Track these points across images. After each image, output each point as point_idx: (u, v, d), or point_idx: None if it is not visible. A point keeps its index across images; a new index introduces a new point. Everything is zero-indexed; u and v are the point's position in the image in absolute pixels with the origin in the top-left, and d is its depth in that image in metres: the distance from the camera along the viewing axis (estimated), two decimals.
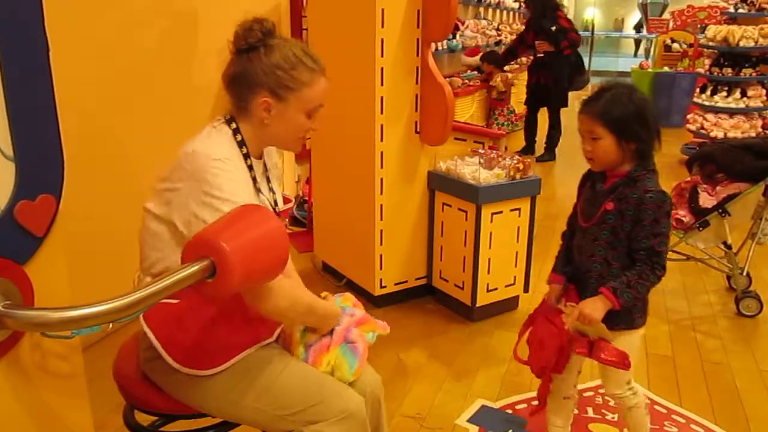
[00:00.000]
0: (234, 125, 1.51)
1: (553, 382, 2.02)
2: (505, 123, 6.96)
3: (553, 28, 6.44)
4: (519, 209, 3.15)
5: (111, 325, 1.03)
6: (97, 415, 1.44)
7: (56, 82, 1.16)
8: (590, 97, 1.82)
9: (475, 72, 7.35)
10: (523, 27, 7.29)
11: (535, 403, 2.08)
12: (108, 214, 2.75)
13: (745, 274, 3.40)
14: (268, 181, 1.63)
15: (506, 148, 3.39)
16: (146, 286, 1.04)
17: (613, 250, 1.82)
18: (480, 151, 3.33)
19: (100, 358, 2.01)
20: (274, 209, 1.60)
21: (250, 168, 1.52)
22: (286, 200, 1.70)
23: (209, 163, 1.39)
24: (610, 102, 1.76)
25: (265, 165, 1.62)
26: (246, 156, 1.51)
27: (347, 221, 3.42)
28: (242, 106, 1.51)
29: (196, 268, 1.11)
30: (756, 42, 6.11)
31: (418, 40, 3.02)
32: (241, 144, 1.50)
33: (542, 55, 6.55)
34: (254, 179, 1.53)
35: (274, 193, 1.63)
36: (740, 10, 6.37)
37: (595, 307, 1.78)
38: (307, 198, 4.39)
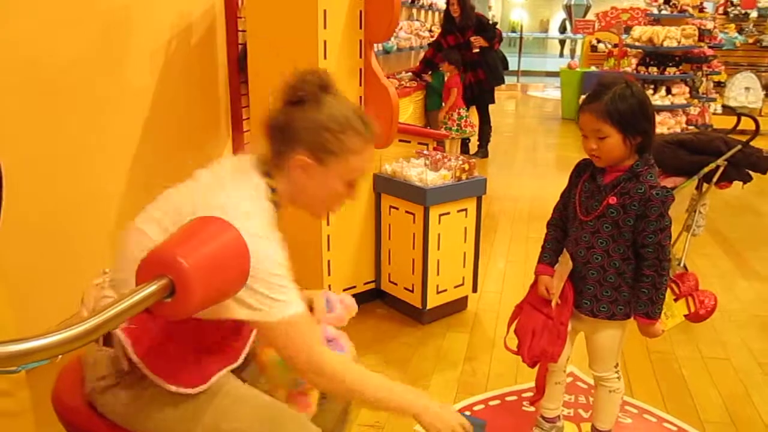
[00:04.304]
0: (271, 181, 1.36)
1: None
2: (455, 128, 6.75)
3: (490, 22, 6.52)
4: (466, 209, 3.15)
5: (60, 356, 0.94)
6: None
7: None
8: (590, 95, 1.81)
9: (410, 73, 7.35)
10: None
11: (529, 394, 2.11)
12: (47, 226, 2.59)
13: (682, 265, 3.51)
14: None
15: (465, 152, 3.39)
16: (101, 310, 0.95)
17: (615, 242, 1.86)
18: (425, 152, 3.31)
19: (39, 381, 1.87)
20: None
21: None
22: None
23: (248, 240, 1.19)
24: (615, 99, 1.75)
25: None
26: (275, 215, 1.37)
27: (293, 228, 3.32)
28: (279, 160, 1.37)
29: (153, 288, 1.03)
30: (679, 42, 6.37)
31: (360, 41, 2.98)
32: (276, 204, 1.36)
33: (477, 50, 6.59)
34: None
35: None
36: (663, 12, 6.63)
37: (649, 332, 1.91)
38: None
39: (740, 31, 9.55)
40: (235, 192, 1.28)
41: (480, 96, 6.77)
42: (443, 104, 6.63)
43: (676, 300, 2.30)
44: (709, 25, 7.82)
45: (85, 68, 2.89)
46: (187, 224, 1.18)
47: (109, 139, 3.10)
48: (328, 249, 3.14)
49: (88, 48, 2.94)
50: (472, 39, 6.53)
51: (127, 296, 1.01)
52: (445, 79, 6.61)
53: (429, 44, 7.30)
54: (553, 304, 1.97)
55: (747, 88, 8.81)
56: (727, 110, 7.92)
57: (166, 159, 3.52)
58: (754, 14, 9.50)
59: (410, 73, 7.32)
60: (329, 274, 3.18)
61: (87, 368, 1.40)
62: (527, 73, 16.17)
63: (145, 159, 3.33)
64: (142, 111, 3.22)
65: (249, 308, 1.22)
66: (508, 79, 9.19)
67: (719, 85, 8.69)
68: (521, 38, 17.09)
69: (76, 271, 2.84)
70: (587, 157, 1.89)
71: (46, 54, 2.65)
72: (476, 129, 6.89)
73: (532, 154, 7.60)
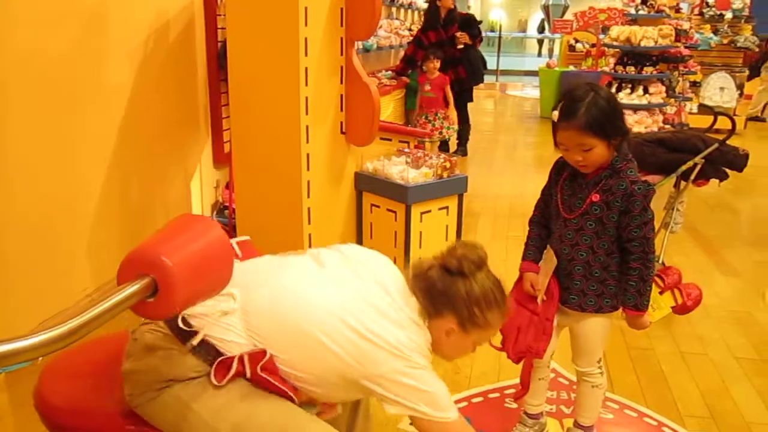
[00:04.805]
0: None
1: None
2: (439, 130, 6.63)
3: (476, 19, 6.51)
4: (447, 207, 3.16)
5: (41, 358, 0.92)
6: None
7: None
8: (564, 110, 1.80)
9: (390, 71, 7.34)
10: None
11: (512, 391, 2.11)
12: (25, 225, 2.55)
13: (660, 262, 3.55)
14: None
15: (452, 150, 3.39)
16: (81, 310, 0.93)
17: (599, 238, 1.88)
18: (406, 150, 3.31)
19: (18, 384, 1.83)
20: None
21: None
22: None
23: (416, 364, 1.39)
24: (592, 110, 1.75)
25: None
26: None
27: (274, 226, 3.31)
28: (430, 317, 1.48)
29: (136, 287, 1.01)
30: (656, 42, 6.45)
31: (342, 39, 2.97)
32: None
33: (462, 47, 6.57)
34: None
35: None
36: (640, 12, 6.70)
37: (637, 324, 1.94)
38: (227, 204, 4.23)
39: (715, 31, 9.68)
40: (414, 338, 1.42)
41: (460, 94, 6.76)
42: (418, 105, 6.38)
43: (661, 293, 2.34)
44: (686, 25, 7.92)
45: (61, 67, 2.84)
46: (172, 222, 1.16)
47: (86, 139, 3.05)
48: (310, 248, 3.12)
49: (65, 46, 2.89)
50: (457, 35, 6.48)
51: (108, 296, 0.99)
52: (429, 77, 6.24)
53: (409, 42, 7.29)
54: (539, 300, 1.98)
55: (722, 88, 8.95)
56: (703, 109, 8.03)
57: (145, 159, 3.48)
58: (728, 15, 9.64)
59: (390, 72, 7.32)
60: None
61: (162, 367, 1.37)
62: (506, 73, 16.25)
63: (123, 159, 3.29)
64: (120, 110, 3.17)
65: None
66: (487, 78, 9.23)
67: (695, 85, 8.81)
68: (500, 37, 17.18)
69: (54, 271, 2.81)
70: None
71: (22, 52, 2.60)
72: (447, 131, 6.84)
73: (512, 152, 7.64)
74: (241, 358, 1.36)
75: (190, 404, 1.36)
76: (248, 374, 1.36)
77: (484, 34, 7.31)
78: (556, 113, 1.82)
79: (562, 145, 1.84)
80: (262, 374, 1.35)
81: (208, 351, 1.37)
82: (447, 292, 1.47)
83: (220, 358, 1.36)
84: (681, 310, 2.47)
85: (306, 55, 2.86)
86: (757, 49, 9.80)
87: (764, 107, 10.08)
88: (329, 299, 1.42)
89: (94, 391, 1.51)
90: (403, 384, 1.37)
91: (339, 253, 1.58)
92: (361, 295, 1.44)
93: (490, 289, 1.49)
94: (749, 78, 9.98)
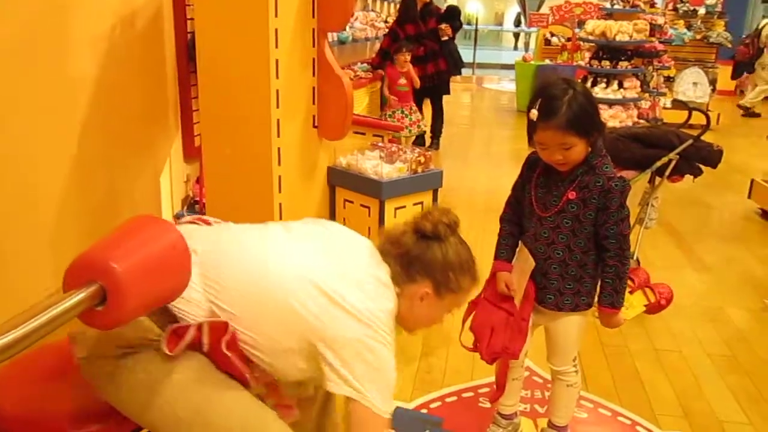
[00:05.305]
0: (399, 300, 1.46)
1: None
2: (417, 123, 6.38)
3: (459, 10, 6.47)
4: (422, 203, 3.11)
5: None
6: None
7: None
8: (543, 110, 1.73)
9: (366, 64, 7.27)
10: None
11: (486, 390, 2.05)
12: None
13: (635, 258, 3.54)
14: None
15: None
16: (25, 319, 0.86)
17: (575, 236, 1.84)
18: (380, 144, 3.26)
19: None
20: None
21: None
22: None
23: (380, 336, 1.35)
24: (571, 108, 1.71)
25: None
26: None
27: (245, 222, 3.23)
28: (402, 283, 1.47)
29: (82, 295, 0.95)
30: (631, 36, 6.46)
31: (314, 30, 2.89)
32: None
33: (446, 38, 6.50)
34: None
35: None
36: (616, 6, 6.71)
37: (611, 322, 1.91)
38: (198, 199, 4.14)
39: (689, 27, 9.76)
40: (384, 308, 1.39)
41: (438, 87, 6.71)
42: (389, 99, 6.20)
43: (631, 292, 2.33)
44: (660, 20, 7.96)
45: (17, 57, 2.73)
46: (124, 224, 1.09)
47: (46, 133, 2.93)
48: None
49: (21, 36, 2.77)
50: (442, 26, 6.41)
51: (54, 304, 0.92)
52: (401, 70, 6.10)
53: (385, 34, 7.21)
54: (517, 301, 1.94)
55: (695, 83, 9.04)
56: (677, 104, 8.09)
57: (111, 153, 3.36)
58: (702, 11, 9.73)
59: (367, 65, 7.24)
60: None
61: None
62: (482, 66, 16.26)
63: (88, 154, 3.17)
64: (83, 102, 3.06)
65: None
66: (464, 72, 9.21)
67: (669, 80, 8.87)
68: (476, 30, 17.17)
69: (15, 271, 2.70)
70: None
71: None
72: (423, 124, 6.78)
73: (488, 146, 7.62)
74: (199, 327, 1.30)
75: (149, 385, 1.29)
76: (205, 347, 1.30)
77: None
78: (534, 112, 1.75)
79: (541, 144, 1.78)
80: (227, 352, 1.30)
81: (163, 314, 1.30)
82: (422, 257, 1.47)
83: (174, 326, 1.29)
84: (654, 308, 2.46)
85: (276, 47, 2.78)
86: (729, 45, 9.91)
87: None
88: (299, 262, 1.40)
89: (45, 398, 1.44)
90: (361, 356, 1.32)
91: (309, 224, 1.58)
92: (333, 261, 1.42)
93: (463, 254, 1.51)
94: (738, 74, 10.14)
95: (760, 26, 9.83)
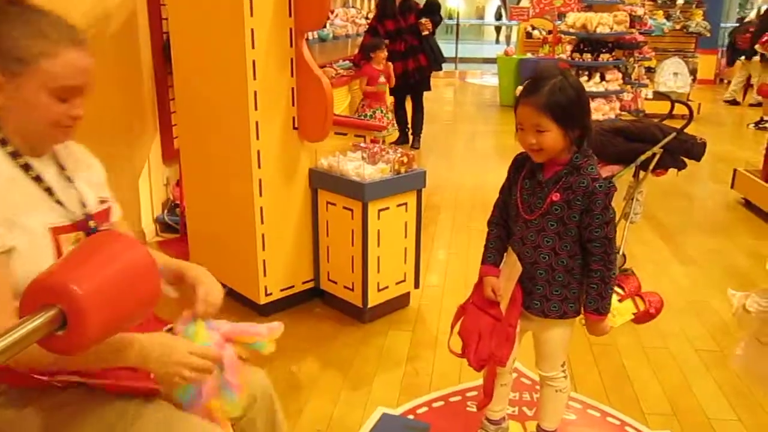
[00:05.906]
0: None
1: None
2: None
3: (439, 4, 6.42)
4: (406, 204, 3.06)
5: None
6: None
7: None
8: (527, 87, 1.74)
9: (347, 62, 7.19)
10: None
11: (474, 393, 2.01)
12: None
13: (621, 253, 3.52)
14: (69, 180, 1.35)
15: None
16: None
17: (561, 240, 1.80)
18: (362, 145, 3.20)
19: None
20: (86, 216, 1.33)
21: (26, 168, 1.26)
22: (103, 201, 1.42)
23: None
24: (555, 92, 1.68)
25: (60, 164, 1.35)
26: (14, 155, 1.25)
27: (225, 226, 3.17)
28: None
29: (39, 321, 0.88)
30: (611, 28, 6.45)
31: (291, 29, 2.83)
32: (3, 143, 1.25)
33: (427, 33, 6.44)
34: (48, 189, 1.28)
35: (81, 193, 1.36)
36: None
37: (597, 329, 1.89)
38: (178, 202, 4.07)
39: (668, 17, 9.77)
40: None
41: (419, 83, 6.64)
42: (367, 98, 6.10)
43: (620, 301, 2.27)
44: (639, 11, 7.95)
45: None
46: (85, 242, 1.03)
47: None
48: (263, 248, 3.00)
49: None
50: (423, 21, 6.34)
51: (9, 331, 0.86)
52: (377, 67, 6.00)
53: (365, 31, 7.14)
54: (503, 306, 1.89)
55: (675, 74, 9.06)
56: (658, 95, 8.10)
57: None
58: (680, 0, 9.75)
59: (348, 62, 7.17)
60: (265, 275, 3.04)
61: None
62: (464, 60, 16.23)
63: None
64: None
65: None
66: (447, 67, 9.16)
67: (650, 71, 8.88)
68: (458, 25, 17.15)
69: None
70: (524, 150, 1.82)
71: None
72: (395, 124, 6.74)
73: (472, 141, 7.59)
74: None
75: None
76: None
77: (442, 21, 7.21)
78: (520, 88, 1.76)
79: (519, 125, 1.77)
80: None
81: None
82: None
83: None
84: (643, 317, 2.39)
85: (253, 47, 2.72)
86: (708, 35, 9.94)
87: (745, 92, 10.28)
88: None
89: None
90: None
91: None
92: None
93: (24, 17, 1.25)
94: (731, 62, 10.16)
95: (761, 12, 9.78)
